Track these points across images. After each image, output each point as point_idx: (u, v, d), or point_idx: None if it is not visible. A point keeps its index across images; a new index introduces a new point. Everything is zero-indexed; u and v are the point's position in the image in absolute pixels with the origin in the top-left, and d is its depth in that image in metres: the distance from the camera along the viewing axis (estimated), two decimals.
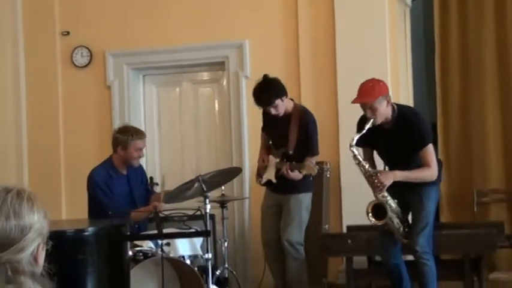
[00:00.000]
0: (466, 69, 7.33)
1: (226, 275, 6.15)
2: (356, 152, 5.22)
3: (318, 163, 6.21)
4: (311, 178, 6.12)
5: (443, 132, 7.36)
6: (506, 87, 7.19)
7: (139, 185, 6.11)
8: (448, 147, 7.35)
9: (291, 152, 6.08)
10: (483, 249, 6.04)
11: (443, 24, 7.39)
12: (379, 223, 5.23)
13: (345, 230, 6.77)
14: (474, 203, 7.12)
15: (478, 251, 6.05)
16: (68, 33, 7.86)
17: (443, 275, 5.51)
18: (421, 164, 5.24)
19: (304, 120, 6.11)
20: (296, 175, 5.99)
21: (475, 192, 7.13)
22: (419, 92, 8.02)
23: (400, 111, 5.29)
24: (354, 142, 5.19)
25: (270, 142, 6.39)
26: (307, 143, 6.10)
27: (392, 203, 5.25)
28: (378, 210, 5.23)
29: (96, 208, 5.83)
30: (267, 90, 6.01)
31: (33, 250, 1.88)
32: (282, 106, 6.05)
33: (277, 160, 6.17)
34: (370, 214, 5.22)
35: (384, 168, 5.44)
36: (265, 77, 6.10)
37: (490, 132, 7.20)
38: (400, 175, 5.18)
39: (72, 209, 7.51)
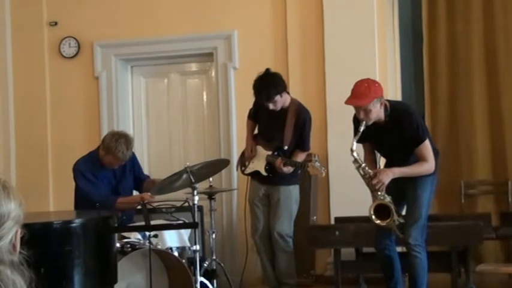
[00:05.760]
0: (454, 61, 7.36)
1: (214, 267, 6.15)
2: (357, 157, 5.16)
3: (306, 155, 6.22)
4: (299, 171, 6.13)
5: (431, 124, 7.38)
6: (494, 79, 7.22)
7: (128, 176, 6.06)
8: (435, 139, 7.33)
9: (286, 148, 6.07)
10: (470, 241, 6.07)
11: (431, 15, 7.41)
12: (383, 223, 5.19)
13: (333, 221, 6.78)
14: (462, 194, 7.16)
15: (465, 243, 6.07)
16: (56, 23, 7.83)
17: (431, 267, 5.51)
18: (417, 158, 5.22)
19: (301, 117, 6.09)
20: (288, 169, 6.00)
21: (463, 183, 7.17)
22: (407, 84, 8.02)
23: (393, 109, 5.20)
24: (354, 146, 5.12)
25: (256, 131, 6.37)
26: (300, 139, 6.10)
27: (389, 199, 5.19)
28: (379, 210, 5.19)
29: (81, 197, 5.81)
30: (269, 86, 5.96)
31: (12, 238, 1.88)
32: (281, 102, 6.04)
33: (269, 153, 6.15)
34: (373, 217, 5.19)
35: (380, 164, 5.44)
36: (267, 71, 6.07)
37: (478, 124, 7.23)
38: (398, 172, 5.15)
39: (60, 201, 7.49)
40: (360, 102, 5.07)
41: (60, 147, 7.75)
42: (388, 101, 5.31)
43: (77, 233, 4.39)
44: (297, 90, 6.85)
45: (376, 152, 5.55)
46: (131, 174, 6.12)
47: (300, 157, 6.12)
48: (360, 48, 6.98)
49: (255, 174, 6.27)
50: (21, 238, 1.91)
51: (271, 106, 6.01)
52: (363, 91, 5.07)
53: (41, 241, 4.10)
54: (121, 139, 5.83)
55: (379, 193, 5.15)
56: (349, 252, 6.44)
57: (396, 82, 7.41)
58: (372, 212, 5.17)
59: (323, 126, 6.97)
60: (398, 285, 5.45)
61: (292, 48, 7.25)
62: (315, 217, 7.02)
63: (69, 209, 6.03)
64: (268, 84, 5.98)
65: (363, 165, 5.18)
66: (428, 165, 5.19)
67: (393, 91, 7.24)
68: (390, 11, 7.40)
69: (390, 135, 5.20)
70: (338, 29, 7.04)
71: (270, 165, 6.10)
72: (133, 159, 6.19)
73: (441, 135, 7.38)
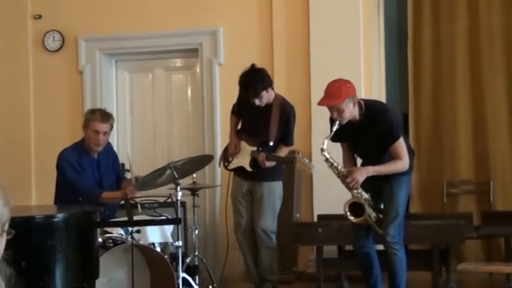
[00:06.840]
0: (438, 60, 7.38)
1: (196, 263, 6.15)
2: (328, 156, 5.19)
3: (289, 152, 6.22)
4: (283, 166, 6.13)
5: (414, 123, 7.40)
6: (478, 79, 7.25)
7: (110, 172, 6.06)
8: (419, 138, 7.40)
9: (271, 144, 6.07)
10: (451, 240, 6.10)
11: (416, 14, 7.42)
12: (357, 220, 5.24)
13: (316, 219, 6.79)
14: (444, 193, 7.19)
15: (447, 242, 6.11)
16: (40, 16, 7.79)
17: (412, 265, 5.56)
18: (392, 156, 5.26)
19: (285, 111, 6.10)
20: (270, 164, 6.00)
21: (445, 183, 7.20)
22: (392, 83, 8.05)
23: (368, 108, 5.25)
24: (325, 146, 5.17)
25: (239, 127, 6.37)
26: (285, 134, 6.10)
27: (367, 197, 5.25)
28: (355, 207, 5.24)
29: (66, 188, 5.78)
30: (255, 82, 5.95)
31: None
32: (266, 97, 6.03)
33: (253, 148, 6.15)
34: (348, 213, 5.23)
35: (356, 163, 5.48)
36: (253, 67, 6.06)
37: (461, 123, 7.25)
38: (372, 170, 5.19)
39: (42, 195, 7.44)
40: (331, 102, 5.12)
41: (43, 141, 7.71)
42: (363, 100, 5.36)
43: (59, 228, 4.38)
44: (282, 88, 6.84)
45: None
46: (114, 171, 6.11)
47: (284, 152, 6.13)
48: (345, 46, 6.99)
49: (238, 170, 6.26)
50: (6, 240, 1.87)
51: (257, 102, 6.01)
52: (334, 91, 5.11)
53: (22, 236, 4.09)
54: (98, 108, 6.21)
55: (355, 191, 5.20)
56: (331, 249, 6.46)
57: (381, 81, 7.43)
58: (347, 209, 5.22)
59: (307, 123, 6.97)
60: (378, 282, 5.49)
61: (277, 45, 7.25)
62: (298, 214, 7.04)
63: (51, 203, 6.00)
64: (255, 80, 5.97)
65: (335, 164, 5.22)
66: (403, 163, 5.24)
67: (378, 90, 7.26)
68: (376, 9, 7.41)
69: (365, 133, 5.24)
70: (324, 27, 7.05)
71: (254, 161, 6.10)
72: (115, 157, 6.20)
73: (424, 134, 7.40)
